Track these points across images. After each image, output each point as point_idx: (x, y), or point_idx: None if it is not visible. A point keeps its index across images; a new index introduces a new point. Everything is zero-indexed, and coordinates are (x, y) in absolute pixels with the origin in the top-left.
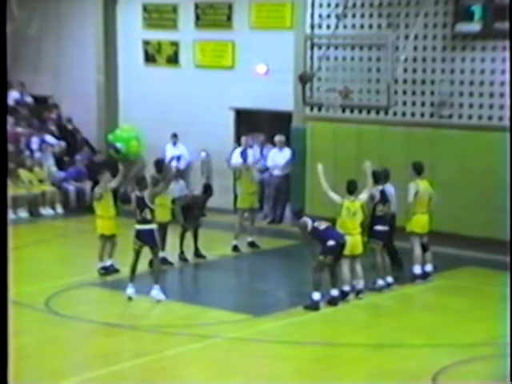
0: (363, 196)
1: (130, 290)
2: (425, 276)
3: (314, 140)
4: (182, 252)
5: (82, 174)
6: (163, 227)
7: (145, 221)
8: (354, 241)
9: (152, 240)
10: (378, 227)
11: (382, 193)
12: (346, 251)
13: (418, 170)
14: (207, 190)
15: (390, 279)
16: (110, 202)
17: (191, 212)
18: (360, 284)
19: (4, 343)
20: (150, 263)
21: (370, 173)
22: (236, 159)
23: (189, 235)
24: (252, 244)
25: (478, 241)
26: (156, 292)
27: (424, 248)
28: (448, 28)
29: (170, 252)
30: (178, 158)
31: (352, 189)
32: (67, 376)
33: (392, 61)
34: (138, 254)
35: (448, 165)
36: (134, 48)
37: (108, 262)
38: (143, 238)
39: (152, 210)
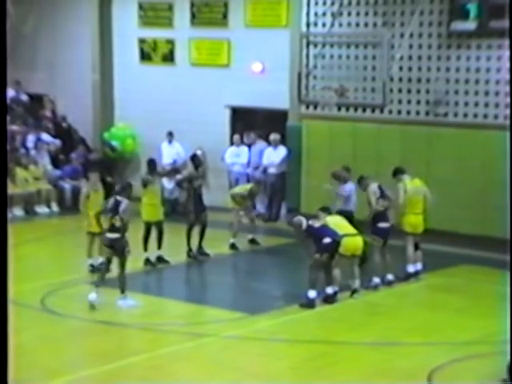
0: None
1: (93, 296)
2: (416, 274)
3: (309, 138)
4: (189, 250)
5: (78, 172)
6: (157, 225)
7: (114, 228)
8: (357, 241)
9: (118, 249)
10: (381, 224)
11: (381, 188)
12: (347, 251)
13: (399, 172)
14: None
15: (390, 277)
16: (99, 200)
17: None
18: (356, 284)
19: (4, 342)
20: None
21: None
22: (229, 158)
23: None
24: (253, 241)
25: (474, 239)
26: (122, 302)
27: (416, 247)
28: (443, 26)
29: (167, 250)
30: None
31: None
32: (63, 374)
33: (387, 59)
34: (109, 261)
35: (443, 163)
36: (130, 46)
37: (94, 260)
38: (111, 246)
39: (122, 219)
